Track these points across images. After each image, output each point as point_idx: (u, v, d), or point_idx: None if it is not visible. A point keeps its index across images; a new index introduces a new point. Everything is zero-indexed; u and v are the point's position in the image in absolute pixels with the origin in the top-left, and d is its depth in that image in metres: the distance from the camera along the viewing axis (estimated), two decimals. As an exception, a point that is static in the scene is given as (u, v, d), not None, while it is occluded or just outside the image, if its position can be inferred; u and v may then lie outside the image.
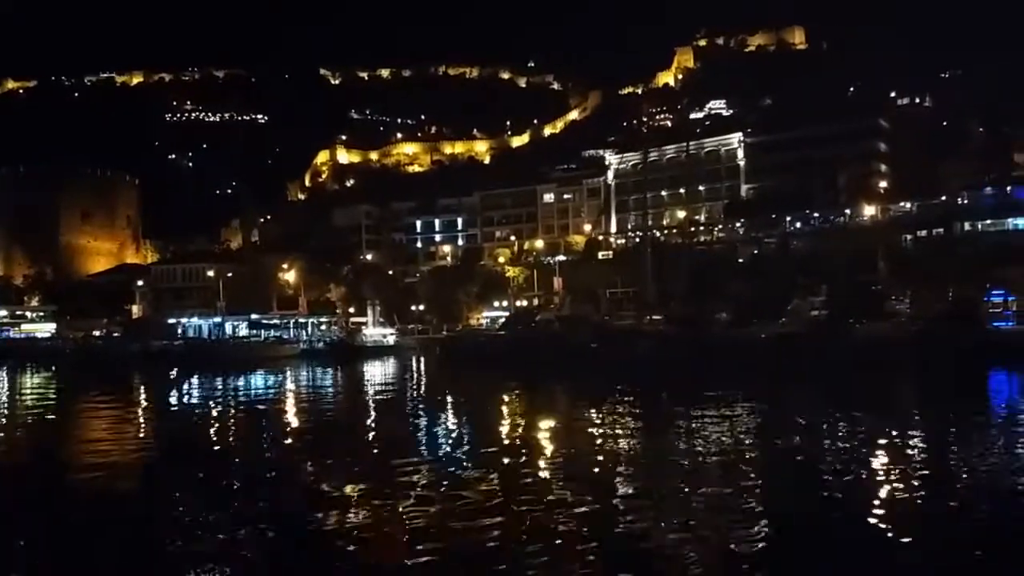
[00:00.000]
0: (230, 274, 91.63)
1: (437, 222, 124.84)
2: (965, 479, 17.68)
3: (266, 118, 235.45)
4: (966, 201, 75.69)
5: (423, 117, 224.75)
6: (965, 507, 15.18)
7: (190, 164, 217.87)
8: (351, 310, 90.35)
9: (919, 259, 64.42)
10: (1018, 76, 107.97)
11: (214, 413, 35.26)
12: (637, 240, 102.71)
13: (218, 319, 79.41)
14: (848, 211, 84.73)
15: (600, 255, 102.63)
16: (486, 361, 55.29)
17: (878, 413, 27.82)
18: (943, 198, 77.48)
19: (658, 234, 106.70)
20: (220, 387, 47.73)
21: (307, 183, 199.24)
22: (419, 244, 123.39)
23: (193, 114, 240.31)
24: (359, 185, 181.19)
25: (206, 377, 52.66)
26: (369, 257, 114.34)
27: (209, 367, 57.62)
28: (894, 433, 23.20)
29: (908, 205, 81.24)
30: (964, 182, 79.48)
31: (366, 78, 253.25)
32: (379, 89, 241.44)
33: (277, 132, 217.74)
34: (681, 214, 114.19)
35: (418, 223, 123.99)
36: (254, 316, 78.60)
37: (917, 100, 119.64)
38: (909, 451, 21.13)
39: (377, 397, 41.41)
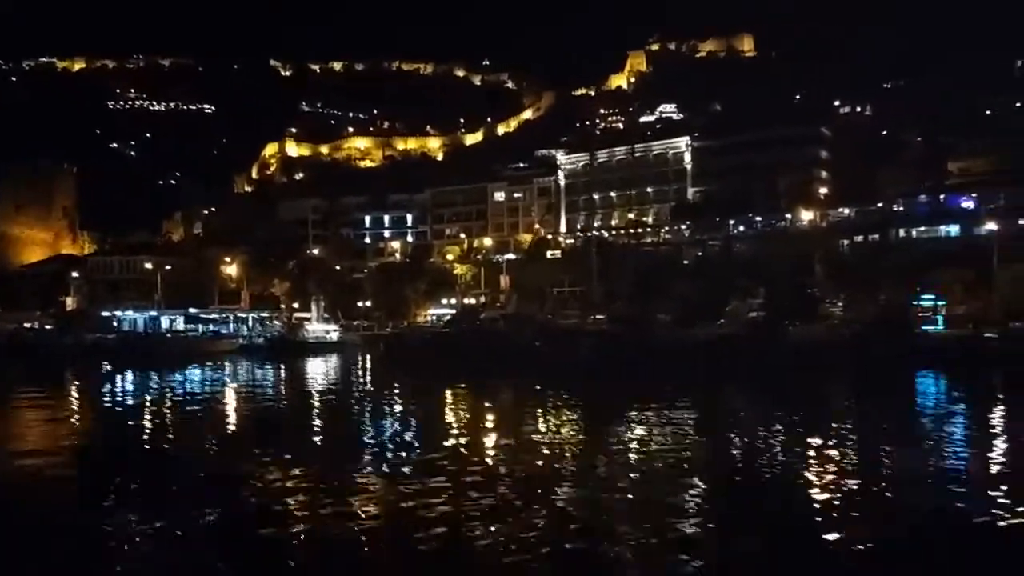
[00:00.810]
0: (169, 267, 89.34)
1: (387, 218, 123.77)
2: (891, 475, 18.28)
3: (213, 109, 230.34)
4: (902, 208, 78.00)
5: (375, 112, 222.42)
6: (893, 502, 15.72)
7: (132, 154, 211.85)
8: (295, 305, 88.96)
9: (855, 264, 66.16)
10: (955, 88, 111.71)
11: (148, 410, 34.28)
12: (585, 240, 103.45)
13: (154, 313, 77.34)
14: (789, 216, 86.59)
15: (549, 254, 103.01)
16: (430, 359, 54.99)
17: (811, 413, 28.46)
18: (880, 205, 79.73)
19: (606, 234, 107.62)
20: (154, 383, 46.47)
21: (254, 176, 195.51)
22: (368, 240, 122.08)
23: (137, 103, 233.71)
24: (308, 179, 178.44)
25: (140, 372, 51.24)
26: (316, 252, 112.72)
27: (143, 362, 56.07)
28: (825, 432, 23.83)
29: (846, 211, 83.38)
30: (901, 190, 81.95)
31: (318, 71, 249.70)
32: (331, 82, 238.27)
33: (224, 123, 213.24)
34: (630, 215, 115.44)
35: (367, 219, 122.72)
36: (192, 310, 76.76)
37: (858, 109, 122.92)
38: (839, 449, 21.63)
39: (318, 394, 40.81)
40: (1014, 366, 37.87)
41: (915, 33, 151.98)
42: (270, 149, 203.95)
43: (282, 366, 57.29)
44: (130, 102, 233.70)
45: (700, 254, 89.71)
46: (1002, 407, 30.49)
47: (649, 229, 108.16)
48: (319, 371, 55.52)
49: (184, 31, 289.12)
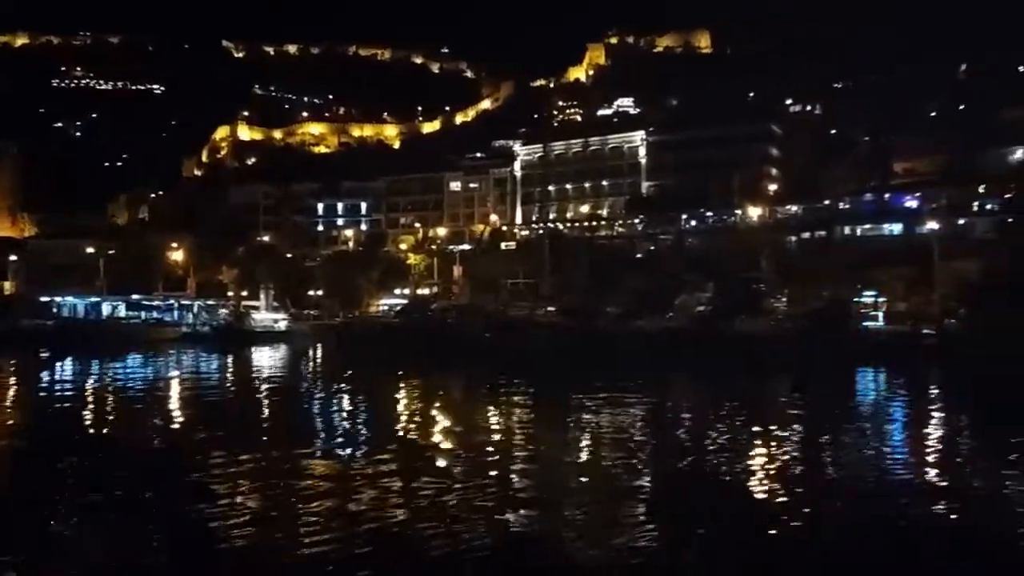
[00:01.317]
0: (112, 251, 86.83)
1: (340, 205, 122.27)
2: (831, 465, 18.95)
3: (163, 89, 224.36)
4: (847, 206, 79.82)
5: (331, 97, 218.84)
6: (833, 492, 16.17)
7: (77, 134, 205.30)
8: (244, 293, 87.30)
9: (801, 260, 67.48)
10: (902, 91, 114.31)
11: (86, 398, 33.32)
12: (540, 231, 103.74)
13: (96, 299, 75.09)
14: (740, 212, 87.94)
15: (504, 245, 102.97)
16: (381, 349, 54.56)
17: (753, 405, 28.99)
18: (827, 203, 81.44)
19: (561, 226, 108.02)
20: (94, 371, 45.22)
21: (204, 159, 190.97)
22: (321, 227, 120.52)
23: (83, 81, 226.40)
24: (261, 164, 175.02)
25: (79, 360, 49.80)
26: (266, 239, 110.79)
27: (83, 349, 54.47)
28: (766, 423, 24.35)
29: (795, 208, 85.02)
30: (847, 188, 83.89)
31: (272, 53, 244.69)
32: (285, 65, 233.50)
33: (174, 105, 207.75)
34: (585, 208, 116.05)
35: (320, 206, 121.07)
36: (135, 296, 74.72)
37: (808, 108, 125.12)
38: (780, 440, 22.03)
39: (266, 384, 40.16)
40: (948, 362, 39.03)
41: (865, 36, 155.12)
42: (221, 132, 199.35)
43: (228, 355, 56.21)
44: (76, 80, 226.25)
45: (652, 248, 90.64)
46: (936, 403, 31.36)
47: (604, 222, 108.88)
48: (267, 361, 54.63)
49: (134, 8, 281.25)
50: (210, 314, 72.99)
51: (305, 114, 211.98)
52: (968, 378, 34.53)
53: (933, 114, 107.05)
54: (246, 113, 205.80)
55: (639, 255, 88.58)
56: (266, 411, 30.32)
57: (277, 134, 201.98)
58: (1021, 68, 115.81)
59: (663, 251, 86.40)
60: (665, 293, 61.88)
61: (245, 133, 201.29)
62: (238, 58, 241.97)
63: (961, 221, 71.38)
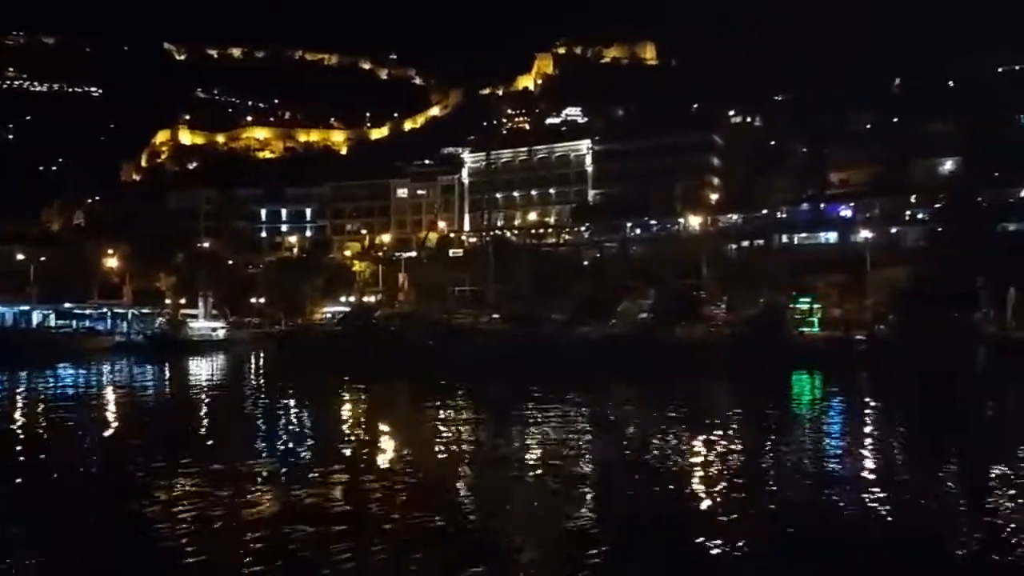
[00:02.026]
0: (44, 258, 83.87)
1: (284, 211, 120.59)
2: (768, 470, 19.05)
3: (101, 92, 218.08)
4: (785, 215, 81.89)
5: (277, 102, 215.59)
6: (772, 496, 16.42)
7: (10, 137, 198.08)
8: (182, 301, 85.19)
9: (740, 267, 68.92)
10: (839, 102, 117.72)
11: (13, 412, 31.90)
12: (488, 239, 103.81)
13: (26, 307, 72.33)
14: (682, 220, 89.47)
15: (451, 253, 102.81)
16: (322, 357, 53.77)
17: (690, 410, 29.34)
18: (765, 211, 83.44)
19: (508, 234, 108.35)
20: (21, 382, 43.47)
21: (144, 164, 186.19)
22: (264, 234, 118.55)
23: (16, 82, 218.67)
24: (203, 169, 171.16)
25: (6, 371, 47.81)
26: (207, 245, 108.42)
27: (9, 359, 52.33)
28: (703, 428, 24.66)
29: (735, 217, 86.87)
30: (784, 197, 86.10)
31: (215, 56, 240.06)
32: (229, 69, 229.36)
33: (113, 108, 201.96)
34: (532, 215, 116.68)
35: (263, 212, 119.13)
36: (66, 305, 72.22)
37: (748, 119, 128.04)
38: (718, 444, 22.34)
39: (203, 395, 39.15)
40: (877, 366, 40.17)
41: (802, 50, 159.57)
42: (161, 136, 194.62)
43: (163, 365, 54.71)
44: (8, 81, 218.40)
45: (598, 255, 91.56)
46: (864, 405, 32.18)
47: (550, 229, 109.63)
48: (204, 370, 53.31)
49: (71, 8, 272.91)
50: (145, 322, 70.98)
51: (249, 119, 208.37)
52: (895, 381, 35.56)
53: (868, 126, 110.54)
54: (188, 117, 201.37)
55: (585, 262, 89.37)
56: (204, 423, 29.50)
57: (220, 139, 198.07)
58: (951, 83, 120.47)
59: (608, 258, 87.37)
60: (609, 300, 62.43)
61: (187, 137, 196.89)
62: (180, 61, 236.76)
63: (893, 230, 73.94)
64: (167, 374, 50.79)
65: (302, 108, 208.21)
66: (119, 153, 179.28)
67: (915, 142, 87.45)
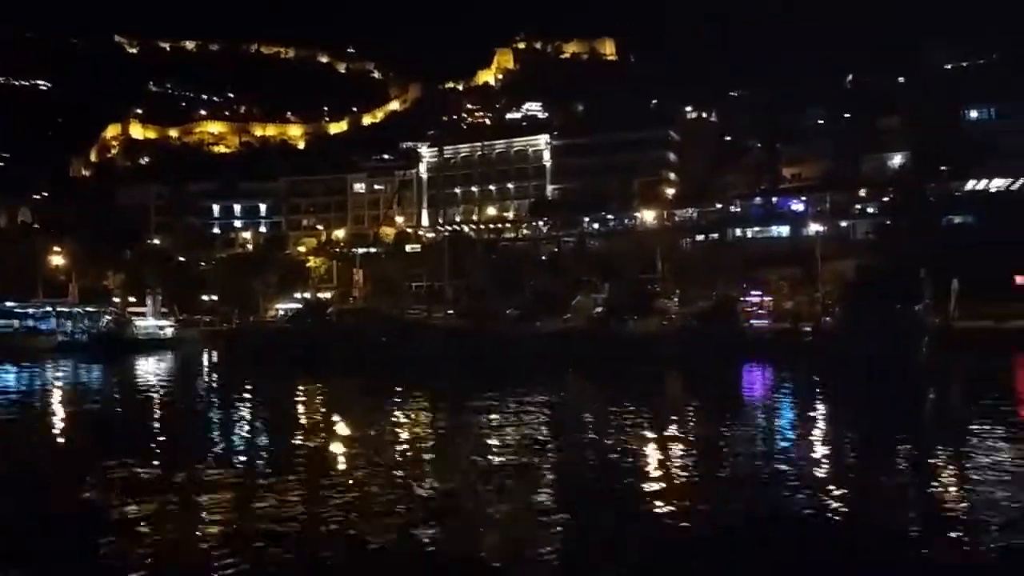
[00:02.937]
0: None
1: (238, 207, 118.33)
2: (718, 458, 19.21)
3: (50, 85, 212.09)
4: (738, 209, 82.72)
5: (232, 95, 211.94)
6: (723, 482, 16.63)
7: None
8: (131, 299, 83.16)
9: (695, 261, 69.44)
10: (794, 99, 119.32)
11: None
12: (446, 234, 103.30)
13: (-36, 306, 69.80)
14: (639, 214, 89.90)
15: (408, 248, 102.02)
16: (271, 356, 52.78)
17: (644, 404, 29.36)
18: (719, 206, 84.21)
19: (466, 229, 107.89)
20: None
21: (94, 159, 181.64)
22: (217, 230, 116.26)
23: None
24: (155, 163, 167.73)
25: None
26: (157, 242, 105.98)
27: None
28: (656, 420, 24.79)
29: (691, 211, 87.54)
30: (739, 192, 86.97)
31: (168, 49, 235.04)
32: (183, 62, 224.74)
33: (62, 101, 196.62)
34: (491, 210, 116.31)
35: (216, 207, 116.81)
36: (8, 304, 69.82)
37: (704, 115, 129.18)
38: (671, 437, 22.36)
39: (150, 395, 38.06)
40: (822, 357, 40.59)
41: (759, 47, 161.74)
42: (112, 131, 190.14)
43: (108, 365, 53.19)
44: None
45: (556, 250, 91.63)
46: (813, 398, 32.43)
47: (509, 224, 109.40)
48: (151, 370, 51.94)
49: (20, 0, 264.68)
50: (90, 321, 68.93)
51: (203, 112, 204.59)
52: (840, 372, 35.96)
53: (821, 122, 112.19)
54: (139, 111, 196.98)
55: (543, 257, 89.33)
56: (147, 425, 28.59)
57: (173, 132, 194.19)
58: (901, 79, 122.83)
59: (566, 253, 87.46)
60: (564, 295, 62.38)
61: (138, 132, 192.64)
62: (131, 53, 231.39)
63: (843, 224, 75.11)
64: (111, 375, 49.39)
65: (258, 102, 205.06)
66: (68, 148, 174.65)
67: (866, 138, 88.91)
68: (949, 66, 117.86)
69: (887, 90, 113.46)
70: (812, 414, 27.63)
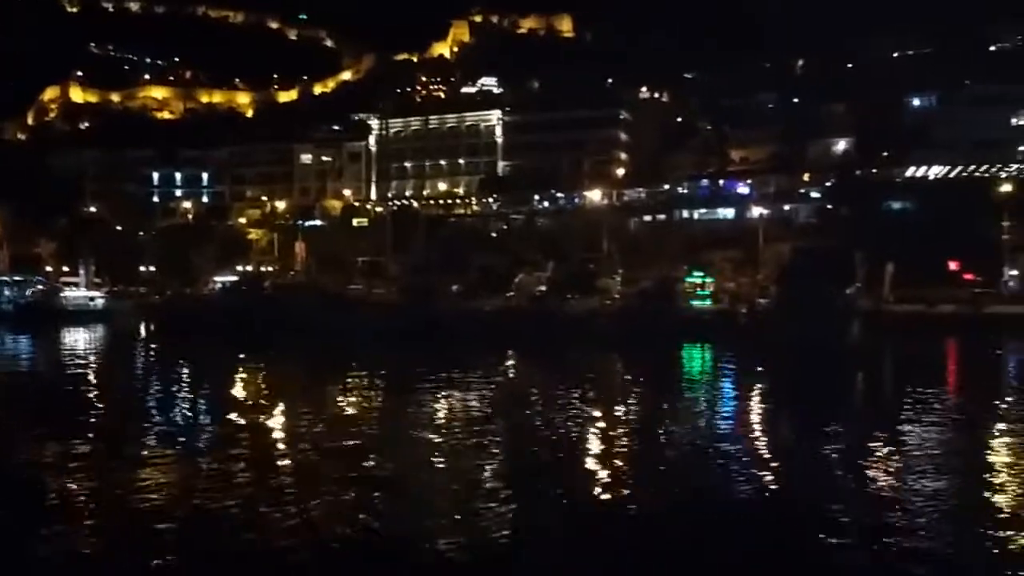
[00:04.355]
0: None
1: (179, 175, 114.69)
2: (654, 436, 19.47)
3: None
4: (686, 191, 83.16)
5: (177, 60, 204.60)
6: (660, 460, 16.94)
7: None
8: (65, 268, 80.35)
9: (640, 241, 69.66)
10: (745, 82, 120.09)
11: None
12: (395, 208, 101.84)
13: None
14: (588, 193, 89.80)
15: (355, 222, 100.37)
16: (203, 330, 51.37)
17: (585, 384, 29.27)
18: (667, 187, 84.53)
19: (416, 204, 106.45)
20: None
21: (30, 122, 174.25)
22: (157, 199, 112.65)
23: None
24: (96, 129, 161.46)
25: None
26: (94, 209, 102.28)
27: None
28: (597, 398, 25.13)
29: (640, 191, 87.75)
30: (688, 173, 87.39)
31: (111, 10, 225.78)
32: (126, 24, 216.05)
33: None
34: (442, 185, 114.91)
35: (156, 175, 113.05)
36: (-72, 272, 66.84)
37: (657, 96, 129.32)
38: (616, 418, 22.38)
39: (79, 368, 36.72)
40: (757, 339, 40.95)
41: (714, 29, 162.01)
42: (50, 93, 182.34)
43: (33, 337, 51.40)
44: None
45: (505, 227, 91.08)
46: (746, 378, 32.56)
47: (459, 200, 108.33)
48: (80, 342, 50.35)
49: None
50: (18, 291, 66.30)
51: (147, 77, 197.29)
52: (773, 353, 36.30)
53: (771, 106, 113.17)
54: (80, 73, 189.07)
55: (492, 234, 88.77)
56: (88, 397, 27.51)
57: (115, 97, 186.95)
58: (850, 65, 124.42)
59: (515, 231, 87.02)
60: (509, 273, 62.06)
61: (78, 95, 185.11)
62: (72, 13, 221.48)
63: (787, 207, 76.07)
64: (37, 347, 47.69)
65: (205, 67, 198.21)
66: (3, 111, 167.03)
67: (813, 123, 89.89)
68: (896, 54, 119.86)
69: (836, 76, 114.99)
70: (742, 395, 27.93)
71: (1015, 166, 71.02)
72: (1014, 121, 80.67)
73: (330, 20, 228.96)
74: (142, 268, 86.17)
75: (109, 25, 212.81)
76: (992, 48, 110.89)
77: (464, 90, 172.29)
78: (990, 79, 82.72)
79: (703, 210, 79.80)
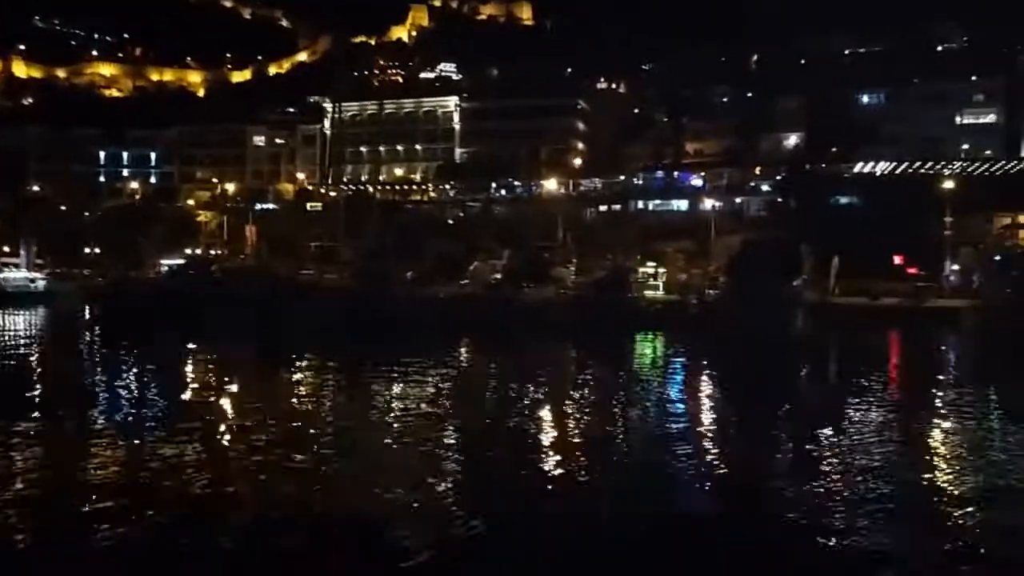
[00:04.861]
0: None
1: (126, 155, 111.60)
2: (606, 425, 19.71)
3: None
4: (641, 182, 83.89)
5: (126, 36, 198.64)
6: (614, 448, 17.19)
7: None
8: (6, 249, 77.73)
9: (595, 231, 70.06)
10: (701, 75, 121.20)
11: None
12: (350, 193, 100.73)
13: None
14: (544, 182, 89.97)
15: (309, 206, 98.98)
16: (146, 314, 50.11)
17: (536, 368, 29.35)
18: (623, 178, 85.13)
19: (372, 189, 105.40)
20: None
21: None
22: (103, 179, 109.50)
23: None
24: (40, 105, 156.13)
25: None
26: (37, 188, 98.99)
27: None
28: (550, 386, 25.33)
29: (596, 181, 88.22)
30: (643, 164, 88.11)
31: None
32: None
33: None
34: (399, 171, 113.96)
35: (103, 154, 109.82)
36: None
37: (615, 86, 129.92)
38: (562, 403, 22.60)
39: (19, 351, 35.57)
40: (706, 329, 41.55)
41: (673, 21, 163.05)
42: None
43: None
44: None
45: (461, 214, 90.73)
46: (695, 368, 33.05)
47: (415, 186, 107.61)
48: (19, 325, 48.88)
49: None
50: (-46, 273, 63.83)
51: (95, 53, 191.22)
52: (721, 343, 36.89)
53: (725, 99, 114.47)
54: (23, 48, 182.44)
55: (449, 221, 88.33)
56: (30, 381, 26.64)
57: (61, 73, 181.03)
58: (803, 61, 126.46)
59: (471, 218, 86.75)
60: (463, 260, 61.82)
61: (21, 70, 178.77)
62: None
63: (738, 200, 77.20)
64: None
65: (155, 45, 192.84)
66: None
67: (766, 117, 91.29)
68: (848, 51, 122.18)
69: (789, 71, 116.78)
70: (689, 382, 28.38)
71: (958, 163, 73.06)
72: (958, 120, 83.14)
73: (286, 0, 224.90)
74: (87, 250, 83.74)
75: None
76: (939, 48, 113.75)
77: (422, 75, 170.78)
78: (936, 78, 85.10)
79: (657, 201, 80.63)
